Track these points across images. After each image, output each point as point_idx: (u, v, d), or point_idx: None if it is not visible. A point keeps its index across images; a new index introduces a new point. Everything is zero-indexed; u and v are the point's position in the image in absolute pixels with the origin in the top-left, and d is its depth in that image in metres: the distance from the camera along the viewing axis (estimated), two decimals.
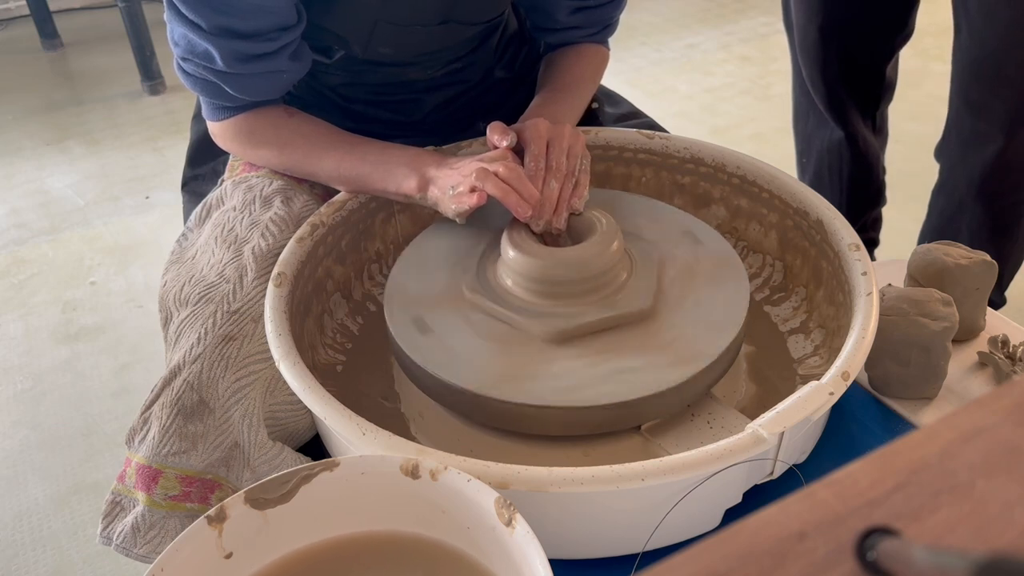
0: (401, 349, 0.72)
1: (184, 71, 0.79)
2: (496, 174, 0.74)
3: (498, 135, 0.79)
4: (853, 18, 1.35)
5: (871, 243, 1.64)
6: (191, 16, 0.73)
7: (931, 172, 1.39)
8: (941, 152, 1.34)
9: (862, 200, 1.57)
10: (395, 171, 0.80)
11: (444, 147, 0.89)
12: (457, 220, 0.77)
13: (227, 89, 0.79)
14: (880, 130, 1.53)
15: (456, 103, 0.99)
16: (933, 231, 1.40)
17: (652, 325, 0.72)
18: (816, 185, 1.60)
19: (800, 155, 1.61)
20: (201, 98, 0.84)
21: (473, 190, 0.74)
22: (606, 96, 1.10)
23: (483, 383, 0.68)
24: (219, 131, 0.86)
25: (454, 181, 0.76)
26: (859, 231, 1.58)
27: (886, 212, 1.63)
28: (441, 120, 0.98)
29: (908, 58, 1.62)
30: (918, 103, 2.30)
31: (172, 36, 0.77)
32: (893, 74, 1.46)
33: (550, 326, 0.71)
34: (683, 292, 0.75)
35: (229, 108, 0.83)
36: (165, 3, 0.74)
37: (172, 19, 0.75)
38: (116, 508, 0.74)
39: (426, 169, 0.79)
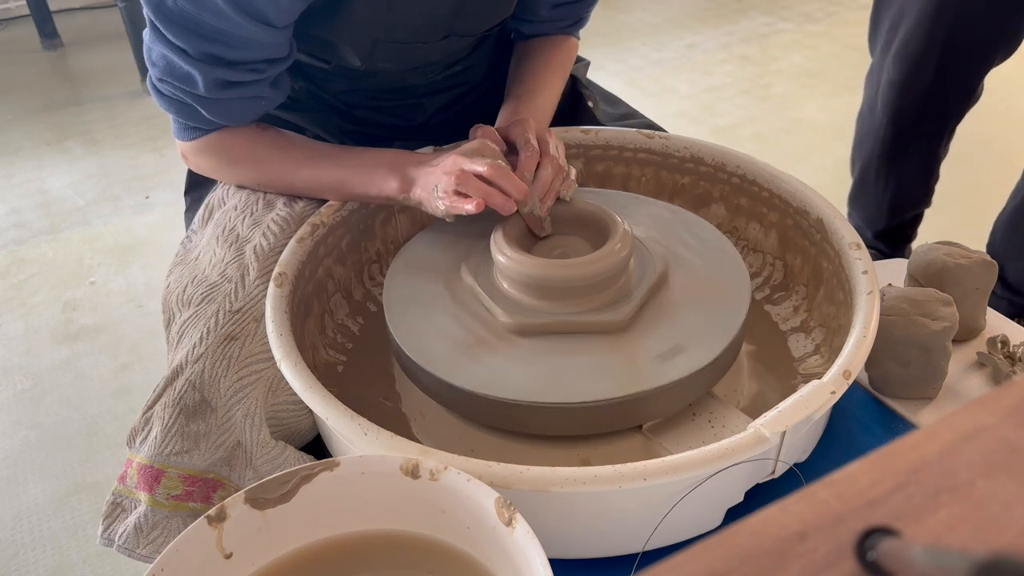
0: (396, 343, 0.72)
1: (159, 91, 0.78)
2: (479, 175, 0.73)
3: (480, 131, 0.80)
4: (964, 32, 1.34)
5: (906, 239, 1.65)
6: (176, 41, 0.71)
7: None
8: None
9: (905, 203, 1.58)
10: (375, 173, 0.80)
11: (445, 147, 0.89)
12: (447, 219, 0.77)
13: (203, 112, 0.78)
14: (949, 138, 1.54)
15: (457, 106, 0.99)
16: (1014, 210, 1.42)
17: (651, 324, 0.72)
18: (859, 184, 1.62)
19: (852, 155, 1.63)
20: (172, 118, 0.82)
21: (458, 192, 0.73)
22: (603, 96, 1.10)
23: (481, 382, 0.68)
24: (190, 150, 0.84)
25: (435, 179, 0.75)
26: (896, 228, 1.59)
27: None
28: (443, 123, 0.98)
29: None
30: None
31: (150, 56, 0.75)
32: (981, 87, 1.46)
33: (525, 320, 0.71)
34: (684, 291, 0.75)
35: (202, 129, 0.81)
36: (147, 23, 0.72)
37: (154, 40, 0.73)
38: (117, 509, 0.73)
39: (407, 169, 0.79)
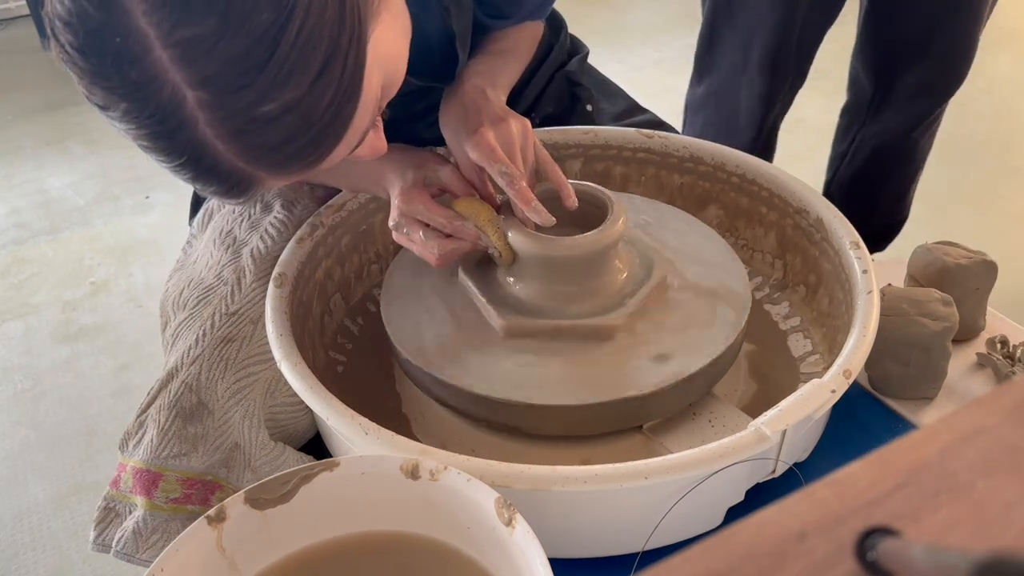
0: (402, 355, 0.72)
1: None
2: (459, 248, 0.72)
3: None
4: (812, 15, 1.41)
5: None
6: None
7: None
8: None
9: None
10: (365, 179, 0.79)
11: (439, 148, 0.88)
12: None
13: None
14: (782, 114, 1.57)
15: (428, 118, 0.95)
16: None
17: (649, 325, 0.72)
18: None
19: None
20: None
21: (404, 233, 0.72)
22: (601, 86, 1.08)
23: (480, 381, 0.68)
24: None
25: (402, 220, 0.72)
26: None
27: None
28: (412, 118, 0.95)
29: None
30: None
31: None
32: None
33: (517, 323, 0.71)
34: (684, 291, 0.75)
35: None
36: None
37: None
38: (110, 514, 0.73)
39: (387, 176, 0.75)
